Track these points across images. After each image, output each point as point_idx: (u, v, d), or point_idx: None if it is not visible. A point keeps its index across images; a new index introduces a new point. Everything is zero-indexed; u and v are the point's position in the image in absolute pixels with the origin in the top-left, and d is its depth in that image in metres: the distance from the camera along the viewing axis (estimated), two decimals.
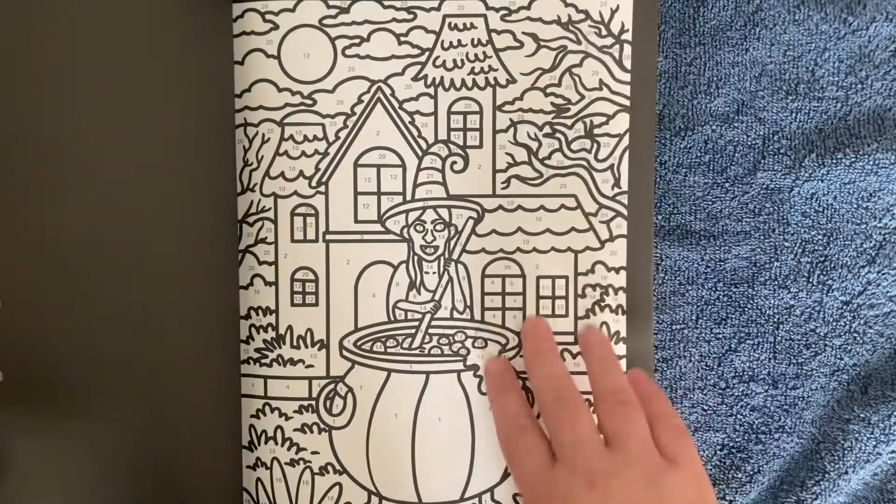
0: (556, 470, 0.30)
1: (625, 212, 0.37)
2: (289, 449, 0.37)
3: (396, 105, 0.36)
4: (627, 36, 0.36)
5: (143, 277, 0.36)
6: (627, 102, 0.36)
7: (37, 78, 0.35)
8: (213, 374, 0.37)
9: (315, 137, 0.36)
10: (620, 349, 0.37)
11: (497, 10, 0.36)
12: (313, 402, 0.37)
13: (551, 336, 0.36)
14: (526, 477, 0.31)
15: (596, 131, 0.37)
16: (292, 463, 0.37)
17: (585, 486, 0.29)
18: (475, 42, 0.36)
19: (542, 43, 0.36)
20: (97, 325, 0.36)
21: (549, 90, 0.37)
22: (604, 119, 0.37)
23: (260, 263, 0.37)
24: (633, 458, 0.30)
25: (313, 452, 0.37)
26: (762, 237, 0.38)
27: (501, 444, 0.34)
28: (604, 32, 0.36)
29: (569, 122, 0.37)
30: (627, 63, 0.36)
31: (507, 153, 0.37)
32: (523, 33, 0.36)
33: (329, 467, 0.37)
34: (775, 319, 0.38)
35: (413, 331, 0.37)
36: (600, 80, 0.36)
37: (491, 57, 0.36)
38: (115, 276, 0.36)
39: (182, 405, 0.36)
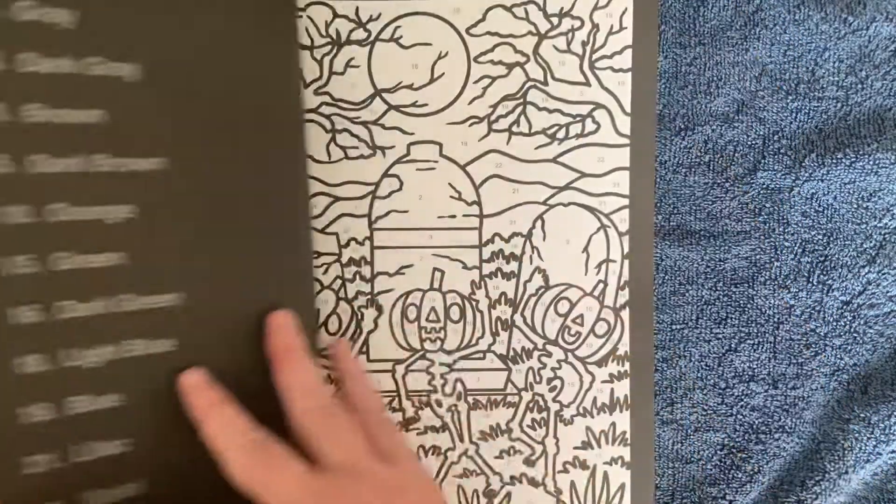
0: (330, 476, 0.26)
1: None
2: None
3: None
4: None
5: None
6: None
7: None
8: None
9: None
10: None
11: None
12: None
13: (300, 333, 0.32)
14: (283, 488, 0.26)
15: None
16: None
17: (380, 495, 0.26)
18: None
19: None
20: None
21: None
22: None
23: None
24: (412, 475, 0.29)
25: None
26: (762, 237, 0.38)
27: (239, 468, 0.26)
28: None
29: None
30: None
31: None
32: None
33: None
34: (775, 319, 0.38)
35: None
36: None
37: None
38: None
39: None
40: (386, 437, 0.29)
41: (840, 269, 0.38)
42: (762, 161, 0.38)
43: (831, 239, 0.38)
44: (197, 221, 0.31)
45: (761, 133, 0.38)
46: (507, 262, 0.38)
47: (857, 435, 0.37)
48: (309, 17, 0.36)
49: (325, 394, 0.30)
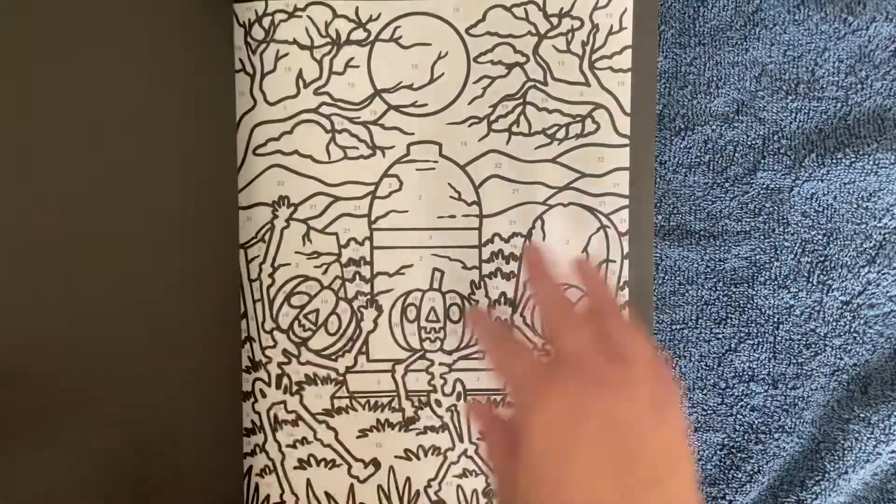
0: (557, 371, 0.29)
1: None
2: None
3: None
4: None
5: (143, 277, 0.36)
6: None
7: (35, 75, 0.35)
8: (213, 373, 0.37)
9: None
10: None
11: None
12: None
13: (547, 259, 0.34)
14: (520, 375, 0.30)
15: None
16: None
17: (589, 385, 0.28)
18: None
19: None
20: (95, 325, 0.36)
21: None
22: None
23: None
24: (638, 374, 0.29)
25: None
26: (762, 237, 0.38)
27: (491, 355, 0.32)
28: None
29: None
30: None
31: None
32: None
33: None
34: (775, 319, 0.38)
35: None
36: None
37: None
38: (114, 277, 0.36)
39: (181, 406, 0.36)
40: (620, 335, 0.30)
41: (840, 269, 0.37)
42: (762, 161, 0.38)
43: (831, 239, 0.37)
44: None
45: (761, 133, 0.38)
46: (507, 262, 0.38)
47: (857, 435, 0.37)
48: (309, 17, 0.36)
49: (563, 297, 0.32)
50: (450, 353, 0.38)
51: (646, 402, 0.28)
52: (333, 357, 0.38)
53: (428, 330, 0.38)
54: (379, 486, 0.38)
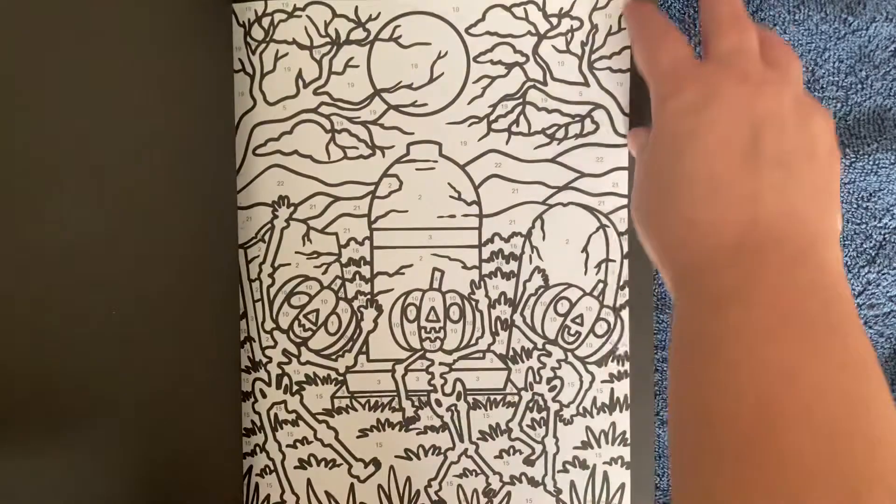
0: (706, 64, 0.29)
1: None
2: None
3: None
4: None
5: (143, 277, 0.36)
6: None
7: (33, 79, 0.35)
8: (213, 375, 0.37)
9: None
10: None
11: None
12: None
13: None
14: (666, 66, 0.30)
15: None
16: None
17: (737, 79, 0.28)
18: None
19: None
20: (94, 325, 0.36)
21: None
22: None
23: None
24: (792, 80, 0.29)
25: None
26: None
27: (639, 43, 0.32)
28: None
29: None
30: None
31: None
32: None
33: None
34: None
35: None
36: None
37: None
38: (113, 278, 0.36)
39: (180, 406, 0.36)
40: (775, 47, 0.30)
41: None
42: None
43: None
44: None
45: None
46: (507, 262, 0.38)
47: None
48: (308, 16, 0.36)
49: (736, 7, 0.31)
50: (450, 352, 0.38)
51: (791, 103, 0.27)
52: (333, 357, 0.38)
53: (428, 330, 0.38)
54: (379, 486, 0.38)
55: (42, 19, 0.35)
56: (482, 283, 0.38)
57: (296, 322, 0.38)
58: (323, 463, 0.38)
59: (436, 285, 0.37)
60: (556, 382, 0.38)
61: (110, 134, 0.35)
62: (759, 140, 0.27)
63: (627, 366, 0.38)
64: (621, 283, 0.37)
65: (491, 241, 0.38)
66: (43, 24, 0.35)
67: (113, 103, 0.35)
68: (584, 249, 0.37)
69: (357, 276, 0.37)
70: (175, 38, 0.35)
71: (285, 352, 0.38)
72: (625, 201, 0.37)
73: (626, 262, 0.37)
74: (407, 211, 0.37)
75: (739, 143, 0.27)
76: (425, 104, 0.37)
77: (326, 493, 0.38)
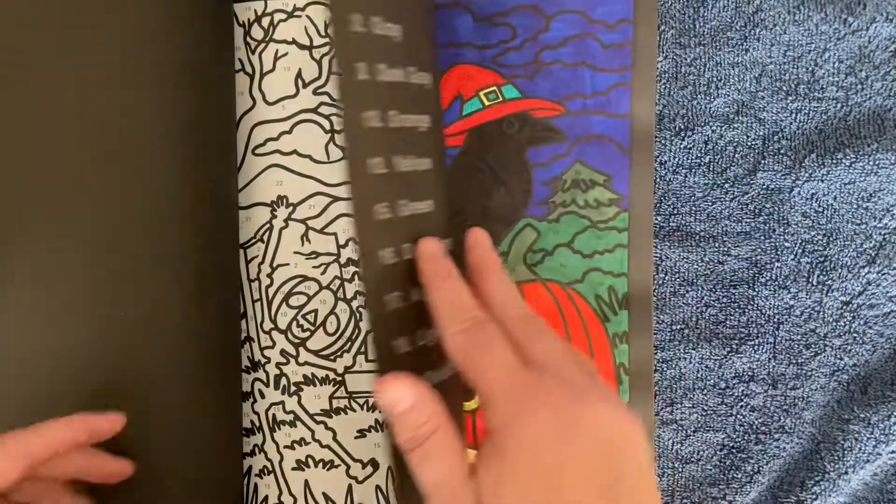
0: (537, 373, 0.26)
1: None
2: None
3: None
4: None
5: (143, 276, 0.36)
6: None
7: (36, 75, 0.35)
8: (213, 375, 0.37)
9: None
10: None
11: None
12: None
13: (447, 256, 0.31)
14: (496, 372, 0.27)
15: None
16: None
17: (577, 397, 0.26)
18: None
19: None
20: (93, 324, 0.36)
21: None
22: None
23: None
24: (608, 391, 0.27)
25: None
26: (762, 238, 0.38)
27: (454, 344, 0.28)
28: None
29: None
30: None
31: None
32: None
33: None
34: (775, 320, 0.38)
35: None
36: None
37: None
38: (113, 276, 0.36)
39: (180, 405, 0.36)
40: (533, 342, 0.28)
41: (840, 270, 0.37)
42: (762, 161, 0.38)
43: (831, 239, 0.37)
44: None
45: (761, 133, 0.38)
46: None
47: (856, 435, 0.37)
48: (308, 17, 0.36)
49: (472, 311, 0.29)
50: None
51: (626, 416, 0.26)
52: (332, 357, 0.38)
53: None
54: (377, 487, 0.38)
55: (43, 19, 0.35)
56: None
57: (294, 322, 0.38)
58: (321, 464, 0.38)
59: None
60: None
61: (110, 133, 0.35)
62: (615, 473, 0.25)
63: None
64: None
65: None
66: (44, 23, 0.35)
67: (113, 103, 0.35)
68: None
69: (356, 277, 0.37)
70: (176, 38, 0.35)
71: (283, 352, 0.38)
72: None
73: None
74: None
75: (596, 482, 0.25)
76: None
77: (324, 494, 0.38)
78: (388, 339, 0.29)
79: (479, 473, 0.25)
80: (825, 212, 0.37)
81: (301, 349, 0.38)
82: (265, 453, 0.38)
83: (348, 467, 0.38)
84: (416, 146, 0.31)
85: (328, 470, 0.38)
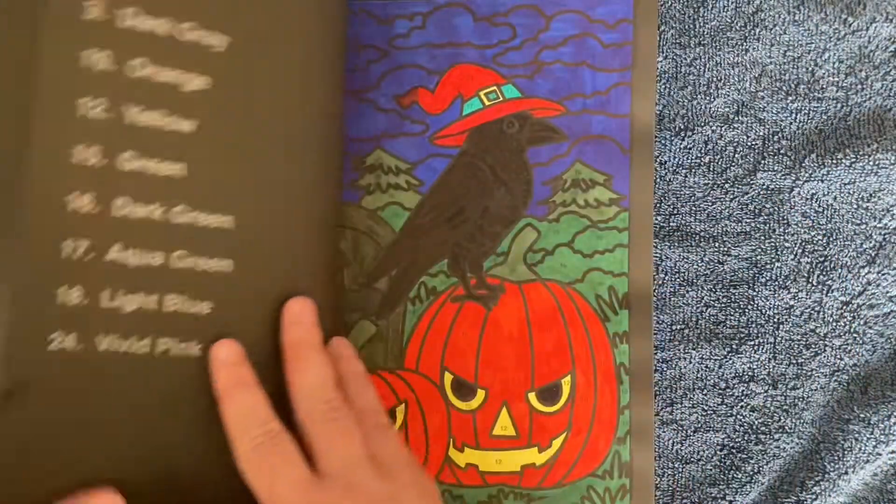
0: (325, 484, 0.27)
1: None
2: None
3: None
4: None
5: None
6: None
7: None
8: None
9: None
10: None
11: None
12: None
13: (315, 324, 0.31)
14: (284, 491, 0.26)
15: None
16: None
17: None
18: None
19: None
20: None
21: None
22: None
23: None
24: (407, 483, 0.28)
25: None
26: (762, 238, 0.38)
27: (245, 461, 0.27)
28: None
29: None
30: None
31: None
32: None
33: None
34: (775, 320, 0.38)
35: None
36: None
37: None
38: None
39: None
40: (384, 444, 0.29)
41: (840, 270, 0.37)
42: (762, 162, 0.38)
43: (831, 239, 0.37)
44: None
45: (761, 134, 0.38)
46: None
47: (856, 435, 0.37)
48: None
49: (330, 397, 0.29)
50: None
51: None
52: None
53: None
54: None
55: None
56: None
57: None
58: None
59: None
60: None
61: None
62: None
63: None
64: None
65: None
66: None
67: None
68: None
69: None
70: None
71: None
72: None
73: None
74: None
75: None
76: None
77: None
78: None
79: None
80: (825, 212, 0.37)
81: None
82: None
83: None
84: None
85: None
